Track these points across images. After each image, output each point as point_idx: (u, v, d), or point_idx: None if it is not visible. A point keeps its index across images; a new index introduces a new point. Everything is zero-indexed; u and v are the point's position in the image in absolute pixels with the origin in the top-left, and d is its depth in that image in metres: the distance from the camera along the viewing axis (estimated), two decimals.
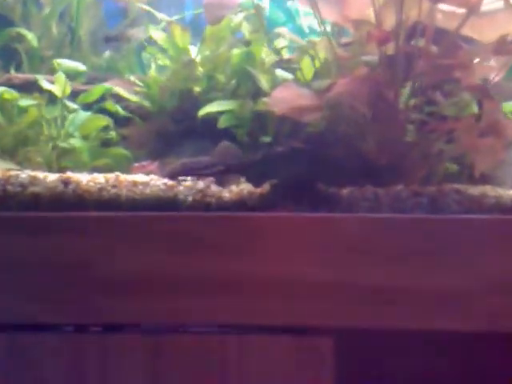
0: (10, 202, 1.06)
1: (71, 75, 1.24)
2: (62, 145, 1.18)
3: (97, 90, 1.25)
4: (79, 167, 1.18)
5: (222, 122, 1.23)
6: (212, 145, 1.33)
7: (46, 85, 1.25)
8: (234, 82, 1.29)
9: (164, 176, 1.13)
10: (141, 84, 1.36)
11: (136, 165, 1.20)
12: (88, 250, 0.92)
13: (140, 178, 1.10)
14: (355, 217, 0.90)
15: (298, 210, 0.98)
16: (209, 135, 1.32)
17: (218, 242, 0.87)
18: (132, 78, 1.37)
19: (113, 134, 1.29)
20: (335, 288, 0.82)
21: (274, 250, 0.85)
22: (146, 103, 1.35)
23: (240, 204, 1.07)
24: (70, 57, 1.47)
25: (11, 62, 1.56)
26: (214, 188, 1.09)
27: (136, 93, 1.36)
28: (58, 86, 1.22)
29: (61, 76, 1.22)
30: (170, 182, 1.09)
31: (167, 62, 1.37)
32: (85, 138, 1.25)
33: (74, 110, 1.19)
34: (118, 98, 1.41)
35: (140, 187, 1.07)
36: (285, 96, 1.09)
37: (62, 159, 1.18)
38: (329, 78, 1.15)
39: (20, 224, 0.98)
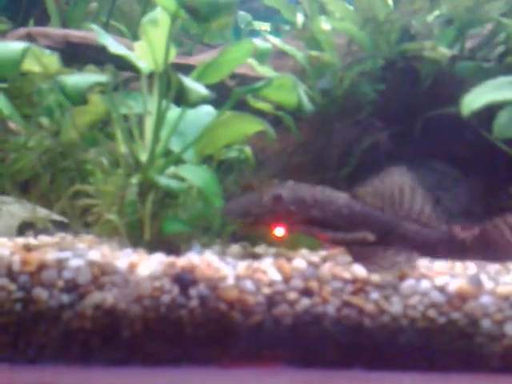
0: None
1: None
2: (160, 181, 0.49)
3: (231, 58, 0.55)
4: (199, 235, 0.51)
5: (502, 128, 0.55)
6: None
7: (116, 48, 0.55)
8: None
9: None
10: (290, 49, 0.68)
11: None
12: None
13: (363, 272, 0.54)
14: None
15: None
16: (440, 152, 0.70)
17: None
18: (272, 39, 0.70)
19: (247, 151, 0.62)
20: None
21: None
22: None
23: None
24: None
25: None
26: None
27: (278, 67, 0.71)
28: (146, 46, 0.53)
29: (162, 20, 0.51)
30: (458, 286, 0.49)
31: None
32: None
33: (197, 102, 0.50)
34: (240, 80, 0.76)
35: (374, 296, 0.48)
36: None
37: (159, 214, 0.50)
38: None
39: None
